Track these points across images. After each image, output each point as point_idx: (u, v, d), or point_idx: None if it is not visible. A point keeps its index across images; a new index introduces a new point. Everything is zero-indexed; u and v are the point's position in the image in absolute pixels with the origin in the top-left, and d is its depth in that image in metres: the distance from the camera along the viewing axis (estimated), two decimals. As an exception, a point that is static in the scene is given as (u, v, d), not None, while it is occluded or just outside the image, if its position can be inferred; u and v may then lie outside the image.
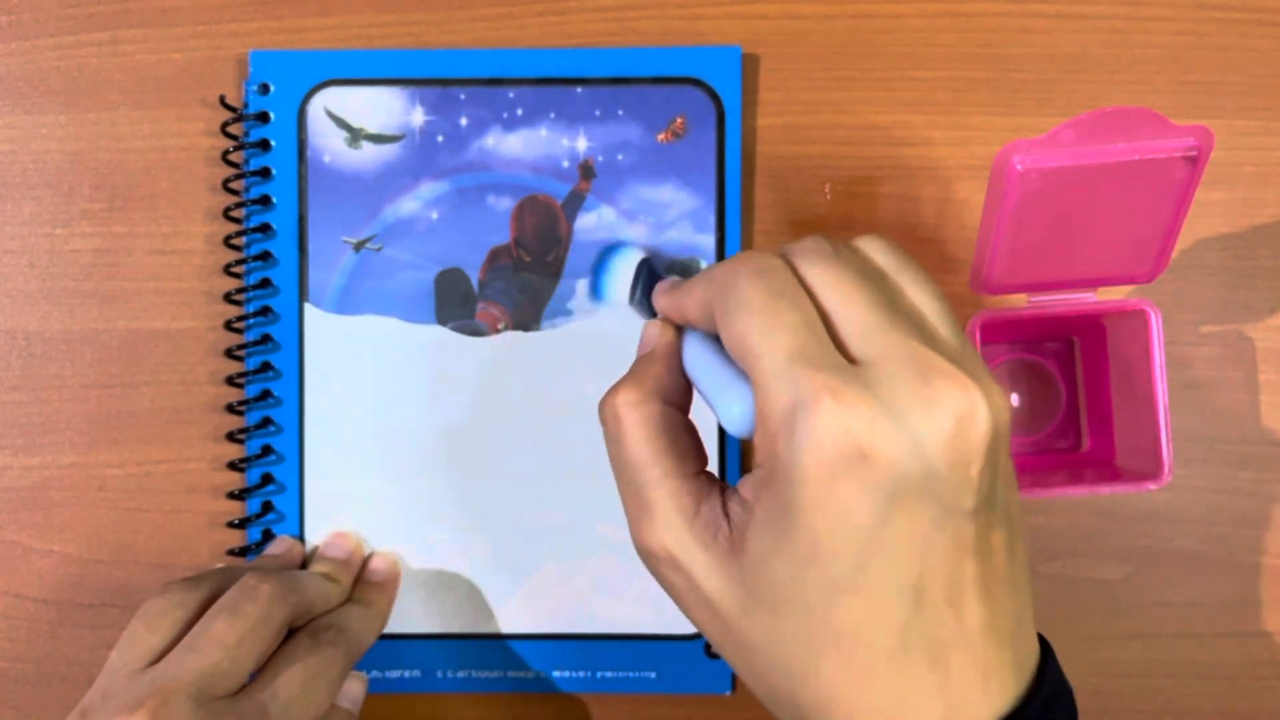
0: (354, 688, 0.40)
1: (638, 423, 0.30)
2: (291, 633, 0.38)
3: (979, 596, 0.27)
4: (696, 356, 0.31)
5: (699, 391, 0.31)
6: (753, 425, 0.28)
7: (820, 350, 0.26)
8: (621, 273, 0.36)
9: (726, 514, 0.28)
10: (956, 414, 0.25)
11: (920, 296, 0.28)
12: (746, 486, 0.28)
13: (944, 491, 0.25)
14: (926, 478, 0.25)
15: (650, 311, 0.34)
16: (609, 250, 0.39)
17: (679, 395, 0.31)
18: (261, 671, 0.36)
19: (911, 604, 0.26)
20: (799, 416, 0.25)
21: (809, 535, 0.26)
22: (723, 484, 0.30)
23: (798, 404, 0.25)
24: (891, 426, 0.25)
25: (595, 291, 0.39)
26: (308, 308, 0.44)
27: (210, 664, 0.34)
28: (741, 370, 0.28)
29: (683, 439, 0.30)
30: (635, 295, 0.36)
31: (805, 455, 0.25)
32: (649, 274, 0.35)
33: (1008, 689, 0.27)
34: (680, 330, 0.32)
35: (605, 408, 0.31)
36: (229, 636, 0.35)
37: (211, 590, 0.38)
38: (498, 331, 0.44)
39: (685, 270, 0.42)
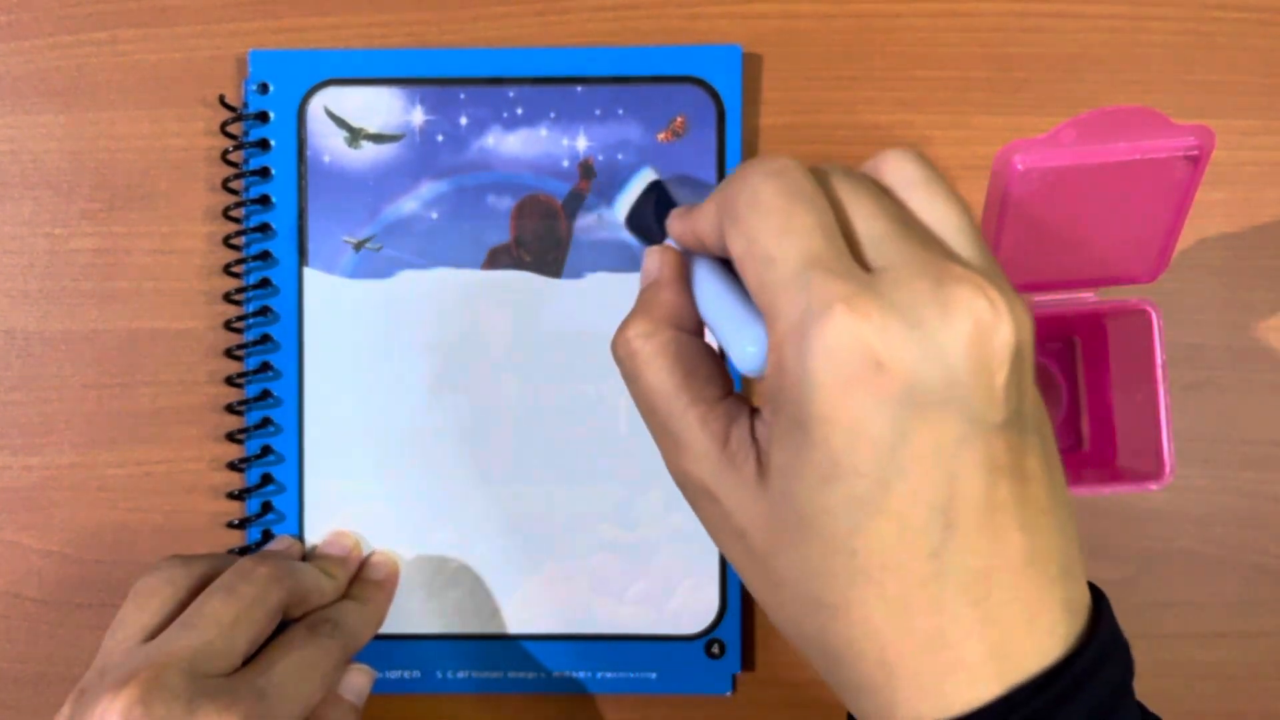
0: (359, 680, 0.40)
1: (654, 353, 0.28)
2: (288, 626, 0.38)
3: (1019, 525, 0.25)
4: (707, 288, 0.29)
5: (708, 325, 0.30)
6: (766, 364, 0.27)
7: (835, 257, 0.25)
8: (633, 191, 0.36)
9: (754, 437, 0.27)
10: (975, 318, 0.24)
11: (944, 209, 0.27)
12: (764, 404, 0.27)
13: (968, 401, 0.24)
14: (948, 386, 0.24)
15: (646, 237, 0.33)
16: (636, 169, 0.38)
17: (692, 320, 0.30)
18: (256, 656, 0.36)
19: (942, 527, 0.24)
20: (809, 325, 0.24)
21: (827, 452, 0.24)
22: (752, 406, 0.28)
23: (808, 312, 0.24)
24: (907, 333, 0.24)
25: (611, 204, 0.39)
26: (307, 307, 0.44)
27: (204, 641, 0.34)
28: (755, 307, 0.27)
29: (704, 365, 0.29)
30: (632, 215, 0.35)
31: (816, 365, 0.24)
32: (658, 199, 0.34)
33: (1057, 632, 0.25)
34: (686, 257, 0.30)
35: (618, 345, 0.29)
36: (224, 615, 0.35)
37: (205, 570, 0.38)
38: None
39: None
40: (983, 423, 0.24)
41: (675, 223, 0.30)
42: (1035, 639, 0.25)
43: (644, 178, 0.36)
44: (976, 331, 0.24)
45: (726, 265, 0.29)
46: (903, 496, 0.24)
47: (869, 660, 0.25)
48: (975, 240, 0.27)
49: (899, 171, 0.27)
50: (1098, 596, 0.27)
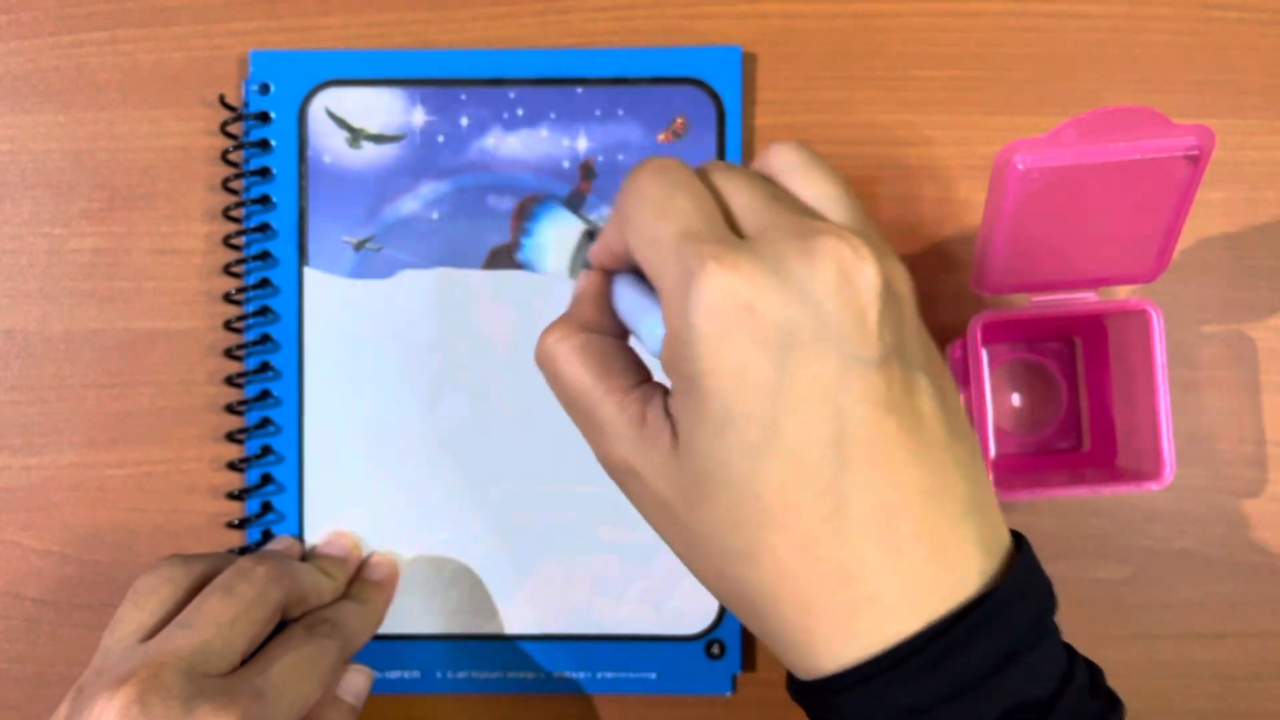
0: (357, 680, 0.40)
1: (569, 353, 0.30)
2: (286, 627, 0.38)
3: (913, 460, 0.26)
4: (623, 293, 0.31)
5: (627, 326, 0.31)
6: None
7: (710, 228, 0.27)
8: (555, 241, 0.37)
9: (668, 413, 0.28)
10: (838, 263, 0.26)
11: (821, 184, 0.29)
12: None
13: (842, 340, 0.26)
14: (820, 326, 0.25)
15: None
16: (540, 207, 0.40)
17: (608, 326, 0.32)
18: (254, 656, 0.36)
19: (835, 463, 0.26)
20: (688, 284, 0.26)
21: (717, 402, 0.26)
22: (665, 388, 0.30)
23: (685, 273, 0.26)
24: (776, 281, 0.25)
25: (521, 251, 0.40)
26: (307, 307, 0.44)
27: (202, 641, 0.34)
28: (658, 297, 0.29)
29: (619, 358, 0.31)
30: (574, 266, 0.36)
31: (696, 319, 0.26)
32: None
33: (971, 568, 0.26)
34: (608, 276, 0.32)
35: (538, 351, 0.31)
36: (223, 615, 0.35)
37: (204, 570, 0.38)
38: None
39: None
40: (859, 359, 0.26)
41: (592, 247, 0.32)
42: (947, 574, 0.26)
43: (575, 228, 0.38)
44: (840, 274, 0.26)
45: (640, 275, 0.31)
46: (793, 434, 0.26)
47: (785, 602, 0.27)
48: (851, 206, 0.29)
49: (779, 160, 0.30)
50: (1021, 541, 0.28)
